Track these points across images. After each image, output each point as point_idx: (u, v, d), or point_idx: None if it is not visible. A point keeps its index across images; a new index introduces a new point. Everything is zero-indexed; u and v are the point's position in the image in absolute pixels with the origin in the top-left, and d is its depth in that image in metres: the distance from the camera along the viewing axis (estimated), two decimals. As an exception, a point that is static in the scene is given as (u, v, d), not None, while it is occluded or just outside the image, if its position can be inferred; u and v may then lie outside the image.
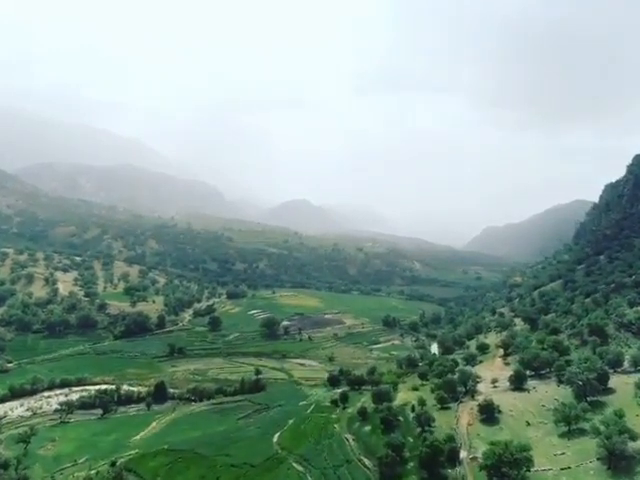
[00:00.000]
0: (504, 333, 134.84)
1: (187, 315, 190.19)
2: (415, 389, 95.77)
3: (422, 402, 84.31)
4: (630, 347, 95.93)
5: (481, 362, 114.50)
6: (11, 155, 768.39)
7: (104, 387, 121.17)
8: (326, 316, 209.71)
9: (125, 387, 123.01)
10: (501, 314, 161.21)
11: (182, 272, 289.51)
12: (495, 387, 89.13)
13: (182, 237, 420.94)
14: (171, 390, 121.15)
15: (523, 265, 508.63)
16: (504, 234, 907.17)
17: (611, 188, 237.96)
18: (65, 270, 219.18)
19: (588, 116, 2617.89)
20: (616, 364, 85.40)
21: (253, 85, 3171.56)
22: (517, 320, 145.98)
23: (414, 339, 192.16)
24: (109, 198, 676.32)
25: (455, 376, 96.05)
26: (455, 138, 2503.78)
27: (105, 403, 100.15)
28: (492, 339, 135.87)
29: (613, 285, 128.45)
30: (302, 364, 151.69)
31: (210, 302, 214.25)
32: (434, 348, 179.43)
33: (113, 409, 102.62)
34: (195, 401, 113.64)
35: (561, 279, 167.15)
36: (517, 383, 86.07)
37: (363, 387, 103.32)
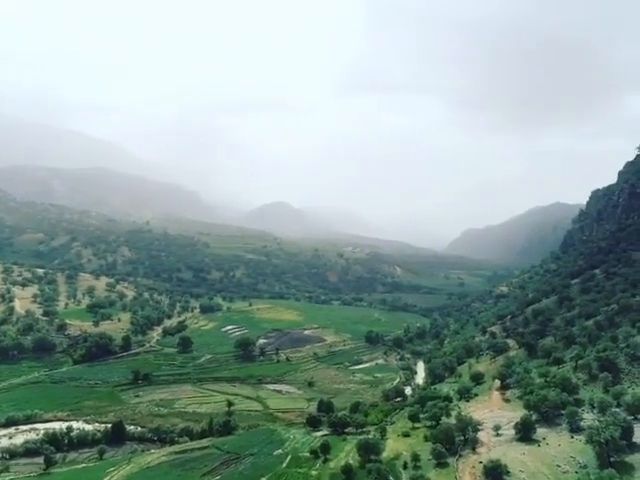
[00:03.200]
0: (499, 358, 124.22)
1: (155, 334, 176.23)
2: (406, 435, 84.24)
3: (416, 457, 72.73)
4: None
5: (476, 396, 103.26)
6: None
7: (56, 425, 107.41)
8: (305, 332, 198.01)
9: (80, 425, 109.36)
10: (493, 334, 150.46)
11: (154, 282, 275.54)
12: (498, 435, 77.78)
13: (157, 243, 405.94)
14: (132, 428, 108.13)
15: (504, 269, 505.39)
16: (484, 236, 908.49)
17: (602, 196, 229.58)
18: (24, 285, 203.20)
19: (562, 118, 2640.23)
20: (637, 410, 74.78)
21: (230, 87, 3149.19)
22: (511, 342, 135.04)
23: (398, 357, 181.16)
24: (83, 202, 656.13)
25: (451, 419, 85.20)
26: (432, 139, 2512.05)
27: (48, 456, 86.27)
28: (485, 365, 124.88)
29: (617, 307, 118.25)
30: (279, 391, 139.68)
31: (182, 318, 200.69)
32: (420, 367, 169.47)
33: (59, 461, 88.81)
34: (157, 442, 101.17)
35: (555, 294, 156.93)
36: (524, 432, 74.78)
37: (347, 430, 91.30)
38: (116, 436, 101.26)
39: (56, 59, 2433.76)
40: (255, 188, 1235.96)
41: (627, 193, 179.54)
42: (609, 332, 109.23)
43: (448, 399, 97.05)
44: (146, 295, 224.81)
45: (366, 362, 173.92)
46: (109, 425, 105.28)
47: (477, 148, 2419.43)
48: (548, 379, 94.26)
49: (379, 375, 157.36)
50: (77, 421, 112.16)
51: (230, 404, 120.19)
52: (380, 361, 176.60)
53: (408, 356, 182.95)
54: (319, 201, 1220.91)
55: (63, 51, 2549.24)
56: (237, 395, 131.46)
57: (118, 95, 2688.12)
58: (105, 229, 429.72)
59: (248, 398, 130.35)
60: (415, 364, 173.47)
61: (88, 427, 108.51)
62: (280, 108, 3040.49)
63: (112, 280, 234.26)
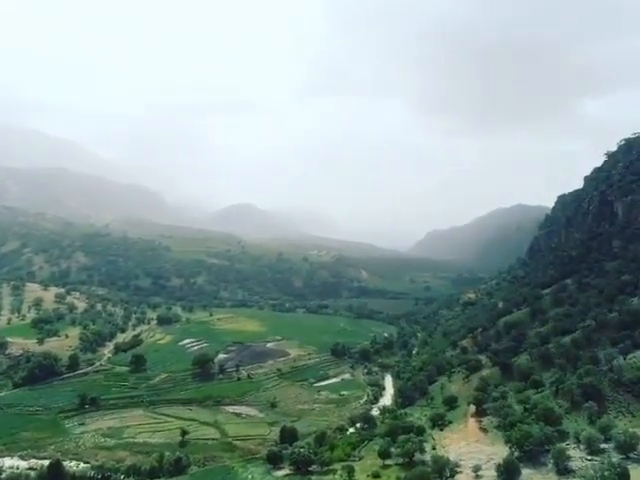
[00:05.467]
0: (472, 377, 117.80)
1: (107, 351, 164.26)
2: (376, 476, 75.99)
3: (388, 507, 64.79)
4: (634, 415, 79.42)
5: (450, 423, 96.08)
6: None
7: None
8: (268, 345, 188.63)
9: (14, 462, 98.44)
10: (464, 349, 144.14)
11: (109, 292, 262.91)
12: (478, 477, 70.36)
13: (115, 248, 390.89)
14: (72, 464, 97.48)
15: (468, 271, 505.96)
16: (448, 237, 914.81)
17: (569, 202, 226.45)
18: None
19: (522, 121, 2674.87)
20: (629, 448, 68.29)
21: (195, 88, 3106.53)
22: (483, 358, 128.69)
23: (366, 371, 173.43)
24: (40, 203, 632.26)
25: (425, 456, 77.74)
26: (395, 141, 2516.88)
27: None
28: (458, 385, 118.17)
29: (594, 323, 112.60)
30: (238, 414, 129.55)
31: (137, 331, 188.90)
32: (388, 382, 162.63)
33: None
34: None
35: (527, 306, 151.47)
36: (507, 475, 67.42)
37: (311, 469, 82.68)
38: (53, 477, 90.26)
39: (12, 56, 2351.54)
40: (220, 189, 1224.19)
41: (597, 201, 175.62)
42: (587, 351, 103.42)
43: (421, 430, 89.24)
44: (99, 307, 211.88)
45: (332, 377, 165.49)
46: (46, 463, 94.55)
47: (438, 150, 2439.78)
48: (528, 406, 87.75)
49: (345, 393, 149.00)
50: (11, 457, 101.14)
51: (184, 433, 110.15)
52: (346, 376, 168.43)
53: (376, 369, 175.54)
54: (285, 202, 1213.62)
55: (20, 49, 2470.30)
56: (193, 421, 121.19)
57: (79, 93, 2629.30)
58: (60, 233, 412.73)
59: (205, 424, 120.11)
60: (383, 378, 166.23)
61: (23, 464, 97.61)
62: (245, 109, 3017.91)
63: (62, 291, 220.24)
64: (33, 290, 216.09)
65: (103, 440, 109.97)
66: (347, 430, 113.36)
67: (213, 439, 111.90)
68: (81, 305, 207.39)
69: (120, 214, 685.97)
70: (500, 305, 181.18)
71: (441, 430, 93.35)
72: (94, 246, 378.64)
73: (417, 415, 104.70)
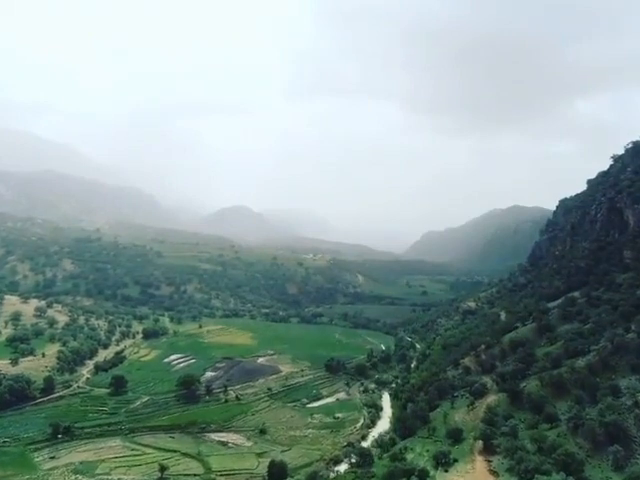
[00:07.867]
0: (477, 404, 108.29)
1: (86, 371, 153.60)
2: (374, 534, 66.75)
3: None
4: (666, 461, 70.10)
5: (456, 462, 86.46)
6: None
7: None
8: (259, 360, 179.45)
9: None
10: (466, 368, 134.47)
11: (95, 302, 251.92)
12: (491, 541, 60.91)
13: (104, 254, 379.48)
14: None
15: (466, 274, 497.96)
16: (444, 239, 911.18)
17: (574, 207, 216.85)
18: None
19: (513, 121, 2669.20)
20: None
21: (188, 89, 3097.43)
22: (488, 380, 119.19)
23: (362, 389, 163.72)
24: (32, 208, 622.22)
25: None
26: (394, 142, 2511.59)
27: None
28: (462, 414, 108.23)
29: (610, 346, 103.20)
30: (225, 442, 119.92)
31: (120, 347, 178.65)
32: (386, 401, 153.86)
33: None
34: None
35: (533, 321, 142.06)
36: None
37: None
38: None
39: (3, 56, 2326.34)
40: (215, 191, 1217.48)
41: (606, 208, 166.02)
42: (605, 378, 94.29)
43: (423, 473, 79.71)
44: (82, 320, 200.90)
45: (326, 397, 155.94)
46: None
47: (434, 150, 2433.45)
48: (543, 446, 78.39)
49: (340, 415, 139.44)
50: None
51: (163, 469, 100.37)
52: (341, 395, 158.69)
53: (372, 387, 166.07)
54: (280, 203, 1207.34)
55: (11, 49, 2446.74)
56: (174, 452, 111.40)
57: (69, 94, 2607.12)
58: (49, 238, 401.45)
59: (187, 456, 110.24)
60: (380, 397, 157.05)
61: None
62: (237, 111, 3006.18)
63: (43, 304, 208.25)
64: (12, 303, 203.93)
65: (74, 478, 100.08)
66: (341, 462, 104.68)
67: (195, 475, 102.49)
68: (62, 319, 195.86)
69: (112, 217, 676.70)
70: (503, 317, 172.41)
71: (446, 471, 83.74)
72: (83, 252, 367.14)
73: (418, 450, 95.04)
